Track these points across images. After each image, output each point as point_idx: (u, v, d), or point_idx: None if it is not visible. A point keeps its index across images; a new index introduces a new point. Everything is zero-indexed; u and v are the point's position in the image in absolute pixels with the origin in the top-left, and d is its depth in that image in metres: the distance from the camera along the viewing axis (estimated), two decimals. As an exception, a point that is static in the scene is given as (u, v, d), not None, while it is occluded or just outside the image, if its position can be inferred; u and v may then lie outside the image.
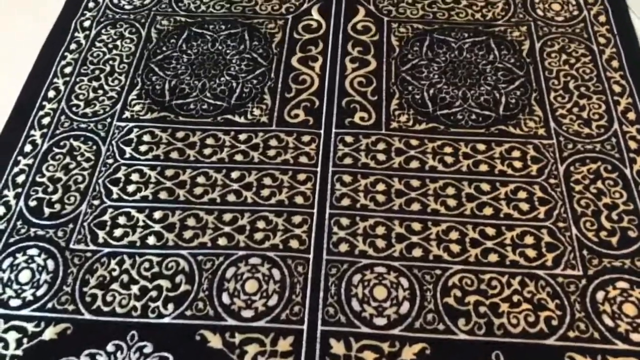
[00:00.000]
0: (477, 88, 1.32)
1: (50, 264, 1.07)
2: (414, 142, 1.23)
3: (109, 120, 1.30)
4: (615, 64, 1.35)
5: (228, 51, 1.43)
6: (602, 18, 1.45)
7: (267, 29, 1.47)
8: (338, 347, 0.96)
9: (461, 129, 1.25)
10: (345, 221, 1.12)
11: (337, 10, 1.51)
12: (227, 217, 1.13)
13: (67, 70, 1.40)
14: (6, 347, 0.97)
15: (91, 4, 1.54)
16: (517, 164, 1.19)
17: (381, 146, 1.23)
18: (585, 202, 1.13)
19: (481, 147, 1.22)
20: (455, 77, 1.35)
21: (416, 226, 1.11)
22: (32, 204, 1.16)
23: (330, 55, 1.41)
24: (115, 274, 1.06)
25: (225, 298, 1.02)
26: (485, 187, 1.16)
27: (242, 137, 1.26)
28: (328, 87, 1.34)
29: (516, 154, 1.21)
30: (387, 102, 1.31)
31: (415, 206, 1.14)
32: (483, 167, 1.19)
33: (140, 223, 1.12)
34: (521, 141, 1.23)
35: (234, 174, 1.20)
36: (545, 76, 1.34)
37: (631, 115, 1.25)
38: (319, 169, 1.20)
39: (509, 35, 1.43)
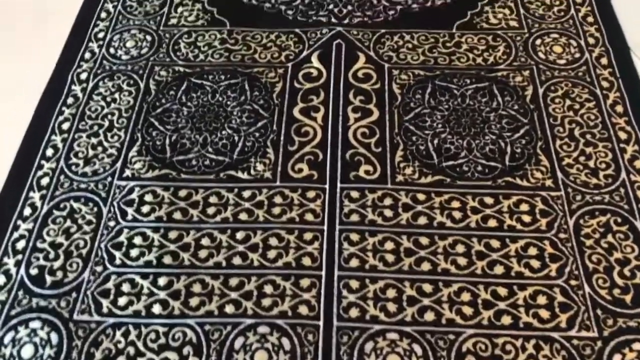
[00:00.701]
0: (482, 137, 1.32)
1: (54, 338, 1.06)
2: (420, 197, 1.23)
3: (109, 179, 1.29)
4: (619, 109, 1.35)
5: (229, 102, 1.43)
6: (604, 60, 1.46)
7: (267, 79, 1.47)
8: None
9: (468, 182, 1.25)
10: (354, 284, 1.11)
11: (337, 58, 1.51)
12: (234, 281, 1.12)
13: (65, 126, 1.39)
14: None
15: (87, 55, 1.54)
16: (526, 218, 1.19)
17: (388, 201, 1.23)
18: (597, 257, 1.13)
19: (489, 200, 1.22)
20: (459, 126, 1.35)
21: (427, 287, 1.10)
22: (34, 272, 1.15)
23: (332, 105, 1.41)
24: (120, 346, 1.05)
25: (235, 371, 1.01)
26: (495, 243, 1.16)
27: (246, 194, 1.26)
28: (331, 139, 1.34)
29: (524, 207, 1.21)
30: (391, 153, 1.31)
31: (426, 266, 1.13)
32: (492, 223, 1.19)
33: (145, 290, 1.11)
34: (529, 193, 1.23)
35: (239, 235, 1.19)
36: (550, 123, 1.34)
37: (638, 164, 1.25)
38: (325, 227, 1.19)
39: (512, 80, 1.43)
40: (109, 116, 1.41)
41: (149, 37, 1.58)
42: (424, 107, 1.39)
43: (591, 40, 1.51)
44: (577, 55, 1.48)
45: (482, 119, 1.36)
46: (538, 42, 1.51)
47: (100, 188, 1.28)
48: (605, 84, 1.41)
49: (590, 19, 1.56)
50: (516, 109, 1.38)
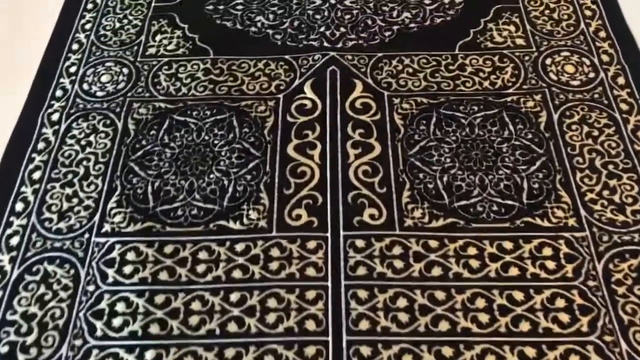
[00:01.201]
0: (495, 172, 1.22)
1: None
2: (433, 244, 1.12)
3: (86, 236, 1.17)
4: (642, 134, 1.25)
5: (216, 141, 1.31)
6: (620, 80, 1.36)
7: (257, 113, 1.35)
8: None
9: (483, 224, 1.15)
10: (365, 350, 1.00)
11: (332, 86, 1.40)
12: (230, 353, 1.01)
13: (36, 175, 1.27)
14: None
15: (59, 92, 1.42)
16: (550, 264, 1.08)
17: (397, 250, 1.12)
18: (631, 307, 1.03)
19: (508, 245, 1.12)
20: (470, 160, 1.24)
21: (447, 351, 0.99)
22: (4, 349, 1.03)
23: (330, 140, 1.30)
24: None
25: None
26: (518, 295, 1.05)
27: (239, 247, 1.14)
28: (331, 180, 1.23)
29: (547, 251, 1.10)
30: (397, 194, 1.20)
31: (444, 325, 1.02)
32: (513, 271, 1.08)
33: (131, 367, 0.99)
34: (551, 235, 1.12)
35: (234, 297, 1.07)
36: (568, 153, 1.24)
37: (668, 197, 1.15)
38: (329, 284, 1.08)
39: (523, 105, 1.33)
40: (85, 162, 1.29)
41: (125, 70, 1.46)
42: (430, 139, 1.28)
43: (605, 58, 1.41)
44: (592, 74, 1.37)
45: (494, 151, 1.25)
46: (548, 61, 1.41)
47: (77, 246, 1.16)
48: (624, 107, 1.31)
49: (602, 34, 1.46)
50: (530, 138, 1.27)
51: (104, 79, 1.45)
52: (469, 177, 1.22)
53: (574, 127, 1.29)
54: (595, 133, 1.28)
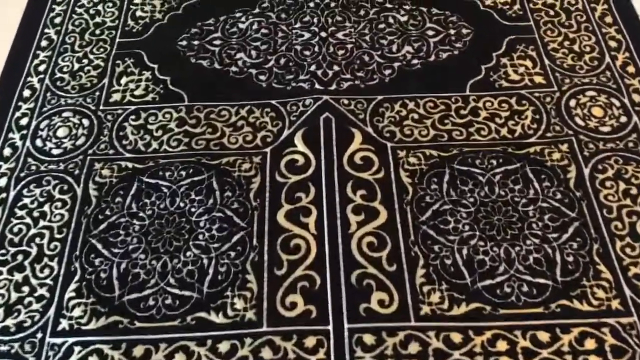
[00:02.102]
0: (522, 242, 1.05)
1: None
2: (456, 338, 0.96)
3: (39, 335, 0.98)
4: (688, 192, 1.09)
5: (193, 209, 1.13)
6: (657, 125, 1.19)
7: (240, 172, 1.17)
8: None
9: (513, 310, 0.98)
10: None
11: (326, 137, 1.22)
12: None
13: (-21, 258, 1.06)
14: None
15: (7, 151, 1.22)
16: (596, 361, 0.91)
17: (414, 348, 0.95)
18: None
19: (544, 336, 0.96)
20: (492, 228, 1.07)
21: None
22: None
23: (327, 204, 1.13)
24: None
25: None
26: (561, 403, 0.88)
27: (223, 347, 0.97)
28: (330, 255, 1.06)
29: (590, 344, 0.94)
30: (410, 273, 1.03)
31: None
32: (553, 372, 0.90)
33: None
34: (593, 322, 0.96)
35: (219, 415, 0.89)
36: (605, 217, 1.08)
37: None
38: (334, 394, 0.90)
39: (548, 158, 1.16)
40: (37, 239, 1.09)
41: (85, 122, 1.27)
42: (444, 201, 1.11)
43: (637, 98, 1.25)
44: (623, 119, 1.22)
45: (519, 216, 1.09)
46: (572, 103, 1.25)
47: (28, 350, 0.96)
48: (664, 158, 1.14)
49: (630, 69, 1.30)
50: (559, 198, 1.11)
51: (60, 133, 1.25)
52: (492, 249, 1.05)
53: (608, 183, 1.12)
54: (634, 191, 1.11)
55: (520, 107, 1.26)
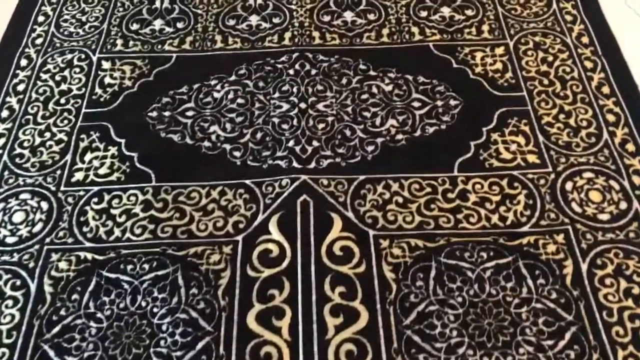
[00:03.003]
0: (515, 351, 0.98)
1: None
2: None
3: None
4: (695, 292, 1.01)
5: (155, 309, 1.04)
6: (659, 212, 1.11)
7: (209, 265, 1.09)
8: None
9: None
10: None
11: (304, 223, 1.15)
12: None
13: None
14: None
15: (-44, 240, 1.13)
16: None
17: None
18: None
19: None
20: (482, 334, 0.99)
21: None
22: None
23: (302, 304, 1.05)
24: None
25: None
26: None
27: None
28: (304, 366, 0.96)
29: None
30: (392, 388, 0.93)
31: None
32: None
33: None
34: None
35: None
36: (604, 320, 1.00)
37: None
38: None
39: (543, 251, 1.08)
40: (-17, 345, 1.00)
41: (44, 205, 1.18)
42: (430, 301, 1.04)
43: (637, 180, 1.17)
44: (623, 205, 1.14)
45: (511, 319, 1.01)
46: (569, 186, 1.18)
47: None
48: (669, 250, 1.07)
49: (630, 147, 1.24)
50: (555, 298, 1.03)
51: (16, 218, 1.17)
52: (482, 359, 0.96)
53: (607, 281, 1.05)
54: (636, 290, 1.03)
55: (512, 191, 1.18)
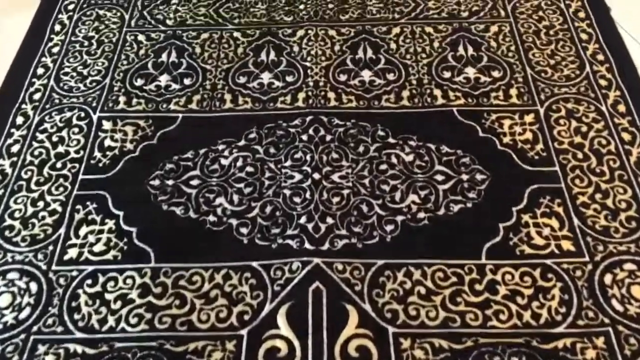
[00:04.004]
0: None
1: None
2: None
3: None
4: None
5: (150, 416, 0.92)
6: None
7: (210, 363, 0.97)
8: None
9: None
10: None
11: (316, 317, 1.05)
12: None
13: None
14: None
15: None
16: None
17: None
18: None
19: None
20: None
21: None
22: None
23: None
24: None
25: None
26: None
27: None
28: None
29: None
30: None
31: None
32: None
33: None
34: None
35: None
36: None
37: None
38: None
39: (581, 358, 0.97)
40: None
41: (33, 286, 1.09)
42: (455, 417, 0.91)
43: (684, 275, 1.06)
44: (671, 305, 1.02)
45: None
46: (608, 279, 1.07)
47: None
48: None
49: (675, 235, 1.11)
50: (597, 416, 0.90)
51: (2, 301, 1.07)
52: None
53: (655, 396, 0.92)
54: (689, 410, 0.91)
55: (545, 283, 1.07)
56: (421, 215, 1.18)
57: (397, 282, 1.09)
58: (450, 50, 1.46)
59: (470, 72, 1.41)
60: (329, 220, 1.18)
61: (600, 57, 1.43)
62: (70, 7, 1.63)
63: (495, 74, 1.41)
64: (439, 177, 1.24)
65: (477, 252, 1.12)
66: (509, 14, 1.54)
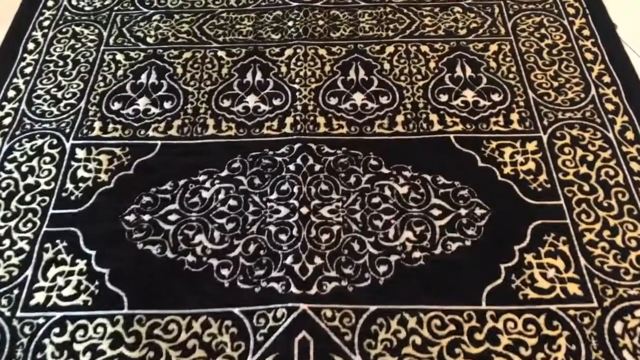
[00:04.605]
0: None
1: None
2: None
3: None
4: None
5: None
6: None
7: None
8: None
9: None
10: None
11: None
12: None
13: None
14: None
15: None
16: None
17: None
18: None
19: None
20: None
21: None
22: None
23: None
24: None
25: None
26: None
27: None
28: None
29: None
30: None
31: None
32: None
33: None
34: None
35: None
36: None
37: None
38: None
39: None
40: None
41: (-4, 337, 0.99)
42: None
43: (701, 322, 0.97)
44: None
45: None
46: (618, 327, 1.00)
47: None
48: None
49: (689, 278, 1.02)
50: None
51: (-38, 353, 0.98)
52: None
53: None
54: None
55: (551, 332, 0.99)
56: (416, 254, 1.10)
57: (391, 331, 1.01)
58: (447, 71, 1.38)
59: (469, 95, 1.33)
60: (318, 260, 1.09)
61: (607, 78, 1.34)
62: (45, 23, 1.53)
63: (495, 97, 1.32)
64: (436, 212, 1.15)
65: (477, 296, 1.04)
66: (509, 32, 1.45)
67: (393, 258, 1.10)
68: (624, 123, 1.27)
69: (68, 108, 1.35)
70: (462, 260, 1.09)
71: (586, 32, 1.45)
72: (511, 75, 1.37)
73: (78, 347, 1.01)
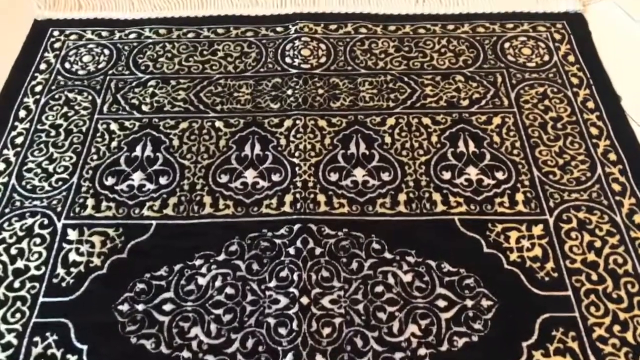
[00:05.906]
0: None
1: None
2: None
3: None
4: None
5: None
6: None
7: None
8: None
9: None
10: None
11: None
12: None
13: None
14: None
15: None
16: None
17: None
18: None
19: None
20: None
21: None
22: None
23: None
24: None
25: None
26: None
27: None
28: None
29: None
30: None
31: None
32: None
33: None
34: None
35: None
36: None
37: None
38: None
39: None
40: None
41: None
42: None
43: None
44: None
45: None
46: None
47: None
48: None
49: None
50: None
51: None
52: None
53: None
54: None
55: None
56: (422, 351, 1.07)
57: None
58: (449, 146, 1.35)
59: (472, 172, 1.30)
60: (319, 358, 1.05)
61: (613, 156, 1.32)
62: (38, 88, 1.50)
63: (500, 175, 1.30)
64: (441, 303, 1.12)
65: (486, 399, 1.00)
66: (512, 103, 1.43)
67: (398, 356, 1.06)
68: (632, 205, 1.24)
69: (60, 183, 1.31)
70: (469, 358, 1.05)
71: (590, 105, 1.43)
72: (515, 152, 1.34)
73: None
